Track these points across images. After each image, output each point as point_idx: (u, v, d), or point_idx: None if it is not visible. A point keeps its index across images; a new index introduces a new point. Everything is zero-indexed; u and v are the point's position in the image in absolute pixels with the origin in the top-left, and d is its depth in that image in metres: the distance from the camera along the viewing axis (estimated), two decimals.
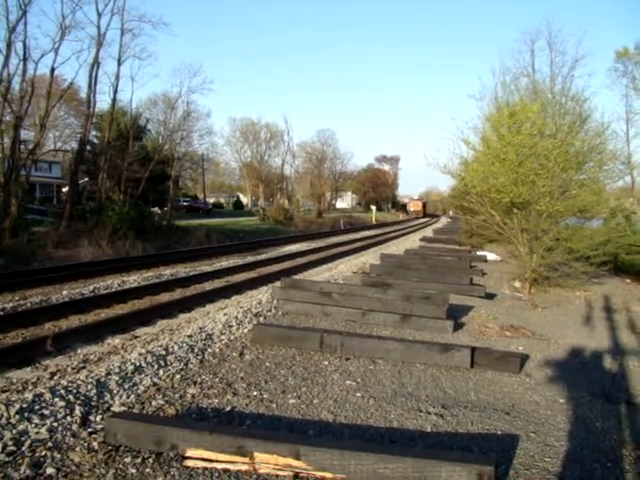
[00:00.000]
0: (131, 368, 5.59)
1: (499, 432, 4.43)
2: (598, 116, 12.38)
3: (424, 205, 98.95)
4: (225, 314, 8.53)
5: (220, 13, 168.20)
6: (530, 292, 12.03)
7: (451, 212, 72.80)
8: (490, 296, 11.08)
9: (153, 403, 4.81)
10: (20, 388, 5.56)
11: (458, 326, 8.20)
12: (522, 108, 12.08)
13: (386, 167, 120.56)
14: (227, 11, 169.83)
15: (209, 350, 6.58)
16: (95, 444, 3.89)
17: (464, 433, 4.39)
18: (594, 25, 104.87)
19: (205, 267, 16.17)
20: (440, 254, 18.68)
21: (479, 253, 18.74)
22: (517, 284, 12.72)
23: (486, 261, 17.17)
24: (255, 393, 5.13)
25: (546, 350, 7.26)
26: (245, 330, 7.59)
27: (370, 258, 17.44)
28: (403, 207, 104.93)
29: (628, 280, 15.19)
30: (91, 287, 11.73)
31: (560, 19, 59.97)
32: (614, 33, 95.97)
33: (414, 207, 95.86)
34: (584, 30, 61.73)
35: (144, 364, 5.77)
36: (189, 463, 3.61)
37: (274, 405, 4.85)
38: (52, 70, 28.04)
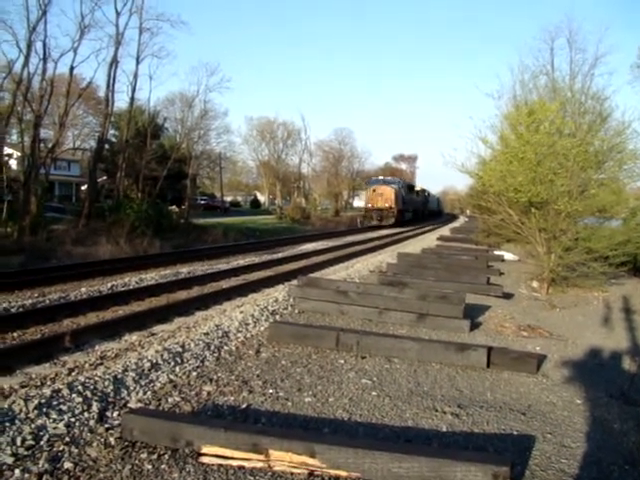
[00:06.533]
0: (148, 365, 5.63)
1: (515, 432, 4.40)
2: (619, 115, 12.20)
3: (399, 195, 43.89)
4: (241, 312, 8.55)
5: (237, 11, 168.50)
6: (548, 292, 11.92)
7: (468, 211, 71.44)
8: (507, 296, 11.00)
9: (169, 400, 4.84)
10: (39, 383, 5.63)
11: (475, 326, 8.15)
12: (541, 107, 11.96)
13: (403, 166, 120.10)
14: (244, 9, 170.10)
15: (225, 348, 6.60)
16: (112, 440, 3.92)
17: (480, 433, 4.37)
18: (617, 20, 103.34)
19: (222, 265, 16.21)
20: (457, 253, 18.59)
21: (496, 252, 18.60)
22: (535, 284, 12.62)
23: (503, 261, 17.04)
24: (271, 391, 5.14)
25: (563, 351, 7.19)
26: (261, 328, 7.60)
27: (387, 257, 17.38)
28: None
29: None
30: (109, 284, 11.81)
31: (580, 16, 58.98)
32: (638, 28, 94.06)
33: (374, 202, 43.05)
34: (605, 28, 60.59)
35: (161, 361, 5.80)
36: (204, 460, 3.63)
37: (289, 403, 4.86)
38: (71, 69, 28.53)
